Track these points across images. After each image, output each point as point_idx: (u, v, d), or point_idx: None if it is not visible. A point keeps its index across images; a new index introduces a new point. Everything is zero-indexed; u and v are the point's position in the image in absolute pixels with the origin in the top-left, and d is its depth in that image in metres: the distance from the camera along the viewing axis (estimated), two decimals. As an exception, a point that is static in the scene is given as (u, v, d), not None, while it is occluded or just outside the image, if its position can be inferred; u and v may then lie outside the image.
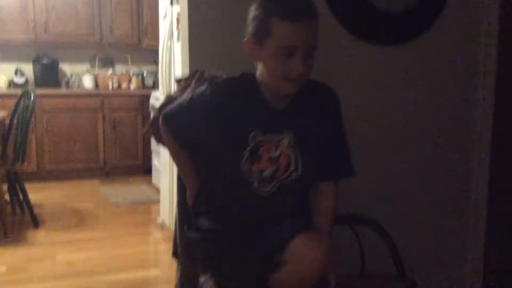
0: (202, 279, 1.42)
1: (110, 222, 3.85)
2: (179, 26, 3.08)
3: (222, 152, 1.37)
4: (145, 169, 5.39)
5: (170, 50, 3.47)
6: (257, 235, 1.37)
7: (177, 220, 1.64)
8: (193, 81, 1.65)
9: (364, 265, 1.71)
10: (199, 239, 1.43)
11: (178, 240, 1.63)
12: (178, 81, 1.75)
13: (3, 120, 3.71)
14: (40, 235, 3.51)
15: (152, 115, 4.42)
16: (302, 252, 1.27)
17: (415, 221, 2.23)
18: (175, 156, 1.51)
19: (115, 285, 2.72)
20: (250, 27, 1.29)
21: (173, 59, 3.43)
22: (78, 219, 3.90)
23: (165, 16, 3.57)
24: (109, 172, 5.34)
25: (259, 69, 1.34)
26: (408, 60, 2.16)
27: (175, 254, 1.68)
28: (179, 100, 1.47)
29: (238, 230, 1.39)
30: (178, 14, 3.07)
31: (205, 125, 1.36)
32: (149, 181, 5.06)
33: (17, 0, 5.02)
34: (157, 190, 4.61)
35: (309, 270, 1.27)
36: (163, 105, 1.60)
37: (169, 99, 1.63)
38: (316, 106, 1.39)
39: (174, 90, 1.94)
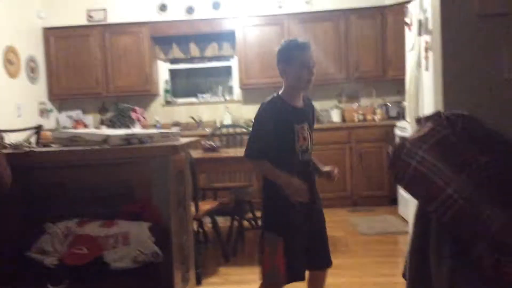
0: None
1: (359, 250, 3.96)
2: (427, 54, 3.05)
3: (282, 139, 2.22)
4: (391, 199, 5.37)
5: (416, 79, 3.45)
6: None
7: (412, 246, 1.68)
8: (430, 122, 1.65)
9: None
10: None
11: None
12: (418, 121, 1.76)
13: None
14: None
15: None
16: None
17: None
18: (270, 172, 2.23)
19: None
20: None
21: (421, 89, 3.39)
22: (330, 246, 4.12)
23: (412, 48, 3.58)
24: (356, 201, 5.51)
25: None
26: None
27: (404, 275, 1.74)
28: (253, 138, 2.27)
29: None
30: (426, 43, 3.05)
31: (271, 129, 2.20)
32: (395, 211, 5.02)
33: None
34: (404, 221, 4.54)
35: None
36: (398, 148, 1.64)
37: (403, 141, 1.65)
38: (311, 109, 2.45)
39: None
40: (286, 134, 2.24)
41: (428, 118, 1.73)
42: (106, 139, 2.28)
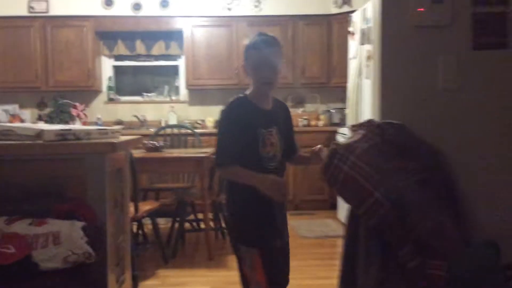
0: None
1: (299, 253, 4.01)
2: (368, 63, 3.15)
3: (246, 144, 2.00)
4: (331, 204, 5.49)
5: (358, 87, 3.56)
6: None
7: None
8: (363, 129, 1.71)
9: None
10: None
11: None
12: (352, 127, 1.81)
13: (210, 155, 4.22)
14: (238, 261, 3.83)
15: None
16: None
17: None
18: (244, 175, 2.00)
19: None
20: None
21: (361, 96, 3.50)
22: (270, 249, 4.15)
23: (354, 56, 3.68)
24: (298, 205, 5.59)
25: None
26: None
27: None
28: (221, 145, 2.04)
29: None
30: (368, 52, 3.15)
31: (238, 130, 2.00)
32: (334, 215, 5.14)
33: (225, 51, 5.76)
34: (342, 225, 4.64)
35: None
36: (331, 153, 1.68)
37: (336, 146, 1.70)
38: (283, 112, 2.19)
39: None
40: (250, 139, 2.01)
41: (361, 126, 1.79)
42: (39, 133, 2.18)
